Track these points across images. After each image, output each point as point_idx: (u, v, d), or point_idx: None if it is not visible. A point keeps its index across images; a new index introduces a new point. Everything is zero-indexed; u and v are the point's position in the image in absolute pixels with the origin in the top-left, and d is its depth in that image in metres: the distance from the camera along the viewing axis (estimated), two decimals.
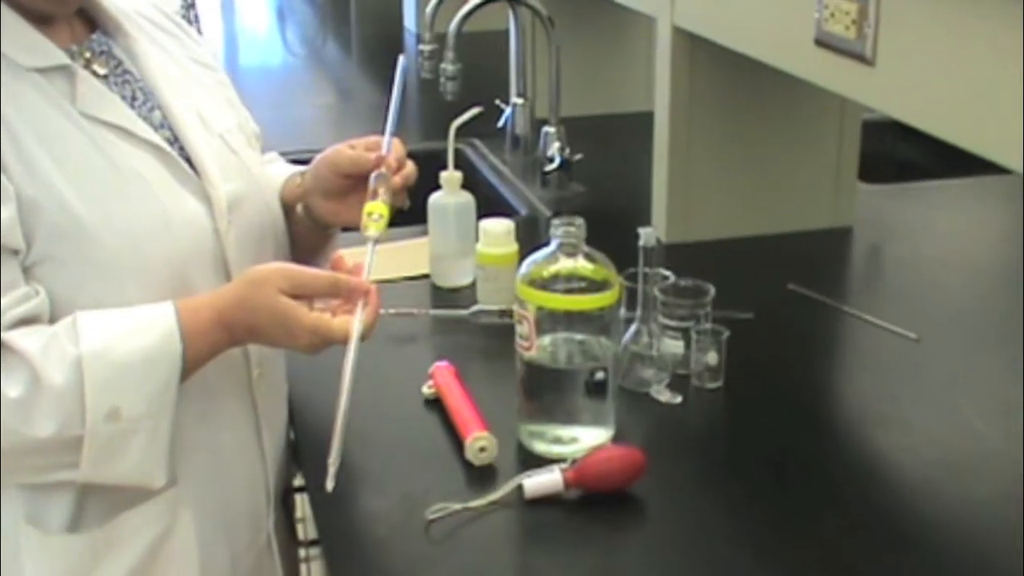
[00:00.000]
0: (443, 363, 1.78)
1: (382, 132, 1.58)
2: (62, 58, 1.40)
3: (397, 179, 1.53)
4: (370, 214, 1.47)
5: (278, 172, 1.71)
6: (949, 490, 1.58)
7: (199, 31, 5.12)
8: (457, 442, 1.64)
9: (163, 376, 1.34)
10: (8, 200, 1.29)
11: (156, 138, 1.45)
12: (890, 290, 2.26)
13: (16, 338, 1.28)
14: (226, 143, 1.56)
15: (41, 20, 1.40)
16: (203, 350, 1.39)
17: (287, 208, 1.66)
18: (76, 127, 1.38)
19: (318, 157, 1.60)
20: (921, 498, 1.58)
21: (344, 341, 1.38)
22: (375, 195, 1.49)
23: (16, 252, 1.31)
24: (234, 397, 1.54)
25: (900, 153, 2.99)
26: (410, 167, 1.56)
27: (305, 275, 1.40)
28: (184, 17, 5.54)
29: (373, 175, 1.51)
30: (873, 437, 1.73)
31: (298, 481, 1.76)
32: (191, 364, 1.37)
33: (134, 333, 1.33)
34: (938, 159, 2.58)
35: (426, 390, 1.76)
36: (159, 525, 1.46)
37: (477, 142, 2.92)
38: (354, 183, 1.56)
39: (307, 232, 1.66)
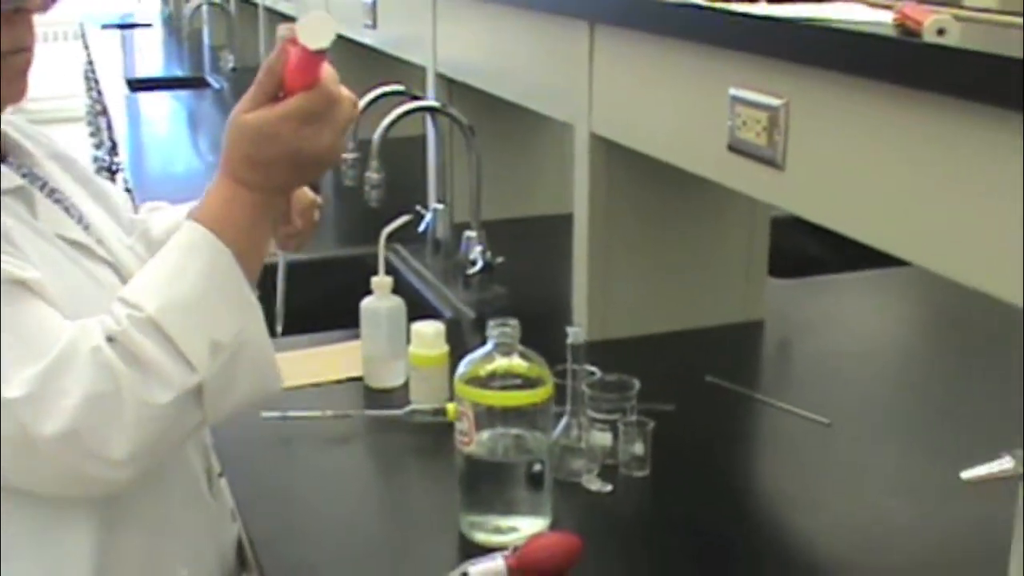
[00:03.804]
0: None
1: None
2: (18, 179, 1.41)
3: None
4: None
5: (169, 220, 1.72)
6: (867, 565, 1.67)
7: (113, 140, 5.19)
8: (405, 535, 1.72)
9: (232, 285, 1.35)
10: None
11: (110, 255, 1.48)
12: (801, 379, 2.36)
13: (107, 349, 1.26)
14: (135, 251, 1.60)
15: None
16: (245, 231, 1.38)
17: None
18: (54, 246, 1.39)
19: None
20: (840, 573, 1.67)
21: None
22: None
23: None
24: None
25: (805, 248, 3.11)
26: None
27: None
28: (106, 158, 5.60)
29: None
30: (793, 518, 1.82)
31: None
32: (244, 253, 1.36)
33: (182, 269, 1.33)
34: (841, 253, 2.70)
35: None
36: None
37: (399, 247, 2.99)
38: None
39: None
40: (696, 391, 2.19)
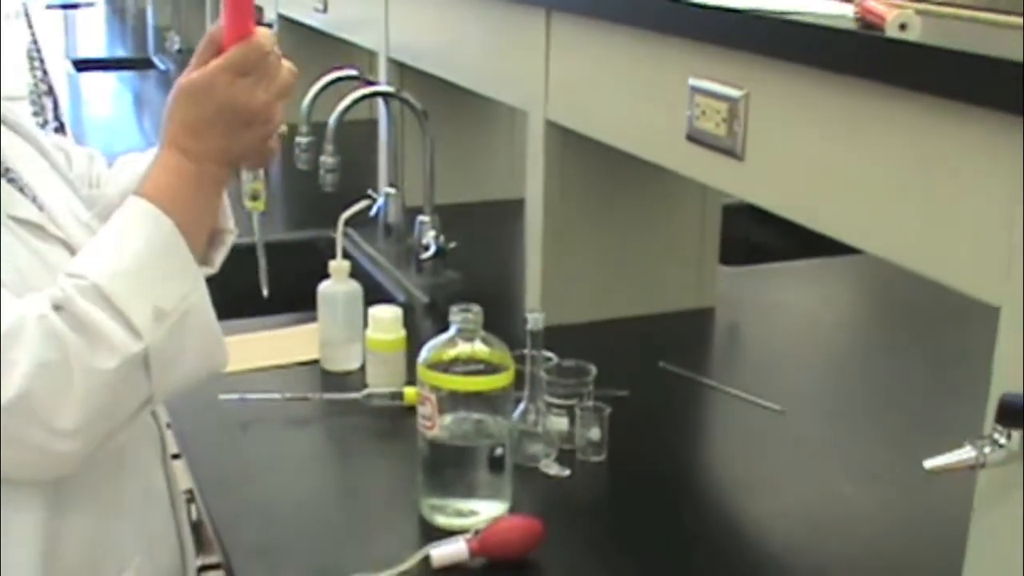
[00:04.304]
0: None
1: None
2: None
3: None
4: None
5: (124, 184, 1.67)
6: (820, 548, 1.70)
7: (60, 120, 5.15)
8: (365, 517, 1.74)
9: (174, 253, 1.36)
10: None
11: (63, 234, 1.47)
12: (752, 365, 2.39)
13: (53, 316, 1.27)
14: (91, 228, 1.56)
15: None
16: (187, 201, 1.39)
17: None
18: (6, 229, 1.37)
19: None
20: (795, 557, 1.70)
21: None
22: None
23: None
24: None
25: (754, 236, 3.14)
26: None
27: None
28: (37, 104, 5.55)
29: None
30: (747, 502, 1.85)
31: (204, 560, 1.84)
32: (186, 222, 1.37)
33: (125, 239, 1.34)
34: (787, 241, 2.74)
35: None
36: None
37: (351, 231, 2.99)
38: None
39: None
40: (649, 377, 2.22)
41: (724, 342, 2.53)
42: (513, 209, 2.53)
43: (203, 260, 1.53)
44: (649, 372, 2.24)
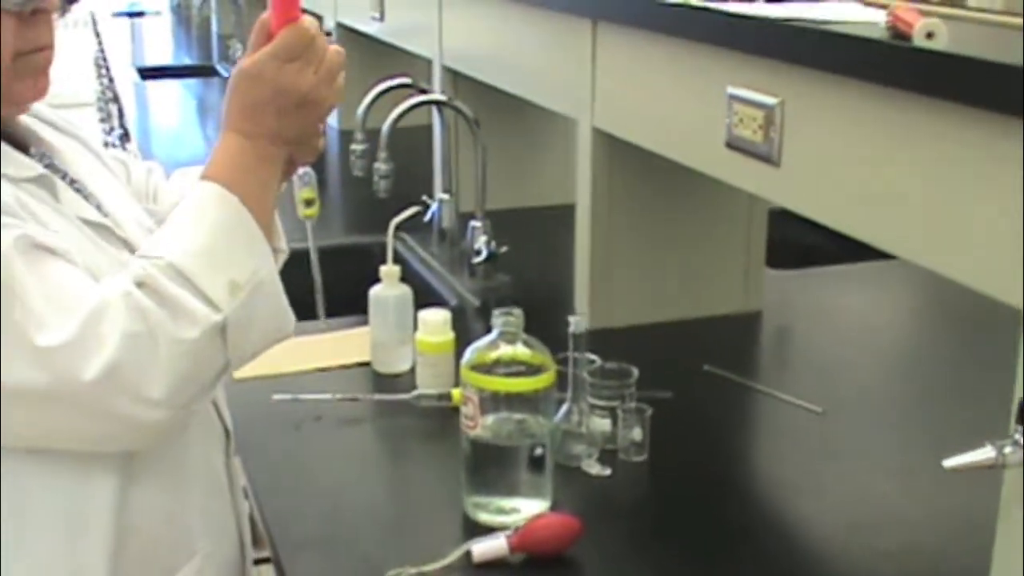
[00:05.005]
0: None
1: None
2: (40, 168, 1.47)
3: None
4: None
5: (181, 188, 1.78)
6: (860, 546, 1.73)
7: (124, 127, 5.23)
8: (411, 514, 1.79)
9: (243, 229, 1.43)
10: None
11: (128, 236, 1.54)
12: (798, 369, 2.42)
13: (137, 292, 1.34)
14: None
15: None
16: (249, 178, 1.46)
17: None
18: (76, 228, 1.45)
19: None
20: (835, 555, 1.73)
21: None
22: None
23: None
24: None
25: (803, 239, 3.16)
26: None
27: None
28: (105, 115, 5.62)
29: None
30: (788, 502, 1.88)
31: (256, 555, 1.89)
32: (250, 199, 1.44)
33: (194, 219, 1.42)
34: (838, 245, 2.75)
35: None
36: None
37: (405, 236, 3.05)
38: None
39: None
40: (694, 380, 2.25)
41: (771, 346, 2.56)
42: (565, 214, 2.57)
43: None
44: (694, 375, 2.27)
